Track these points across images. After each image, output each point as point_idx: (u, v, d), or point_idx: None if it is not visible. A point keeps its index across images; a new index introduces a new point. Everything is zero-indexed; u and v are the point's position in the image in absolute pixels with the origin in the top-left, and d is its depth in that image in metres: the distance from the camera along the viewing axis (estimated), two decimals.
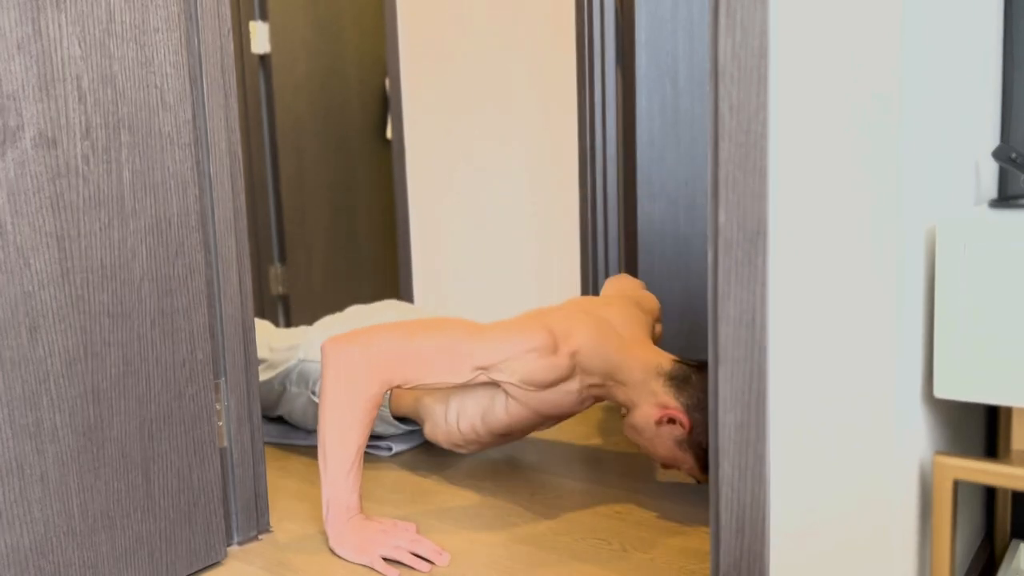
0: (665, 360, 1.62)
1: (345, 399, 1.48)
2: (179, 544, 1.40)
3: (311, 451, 2.04)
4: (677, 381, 1.58)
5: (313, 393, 1.98)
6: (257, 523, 1.56)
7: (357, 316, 2.13)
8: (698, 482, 1.66)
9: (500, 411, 1.67)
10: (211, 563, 1.46)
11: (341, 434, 1.48)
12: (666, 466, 1.65)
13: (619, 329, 1.68)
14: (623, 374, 1.61)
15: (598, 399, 1.68)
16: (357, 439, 1.48)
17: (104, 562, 1.30)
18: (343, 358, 1.49)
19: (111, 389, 1.29)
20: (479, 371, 1.55)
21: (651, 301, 1.93)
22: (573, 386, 1.61)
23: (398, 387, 1.54)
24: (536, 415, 1.65)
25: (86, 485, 1.27)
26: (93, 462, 1.28)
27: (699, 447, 1.56)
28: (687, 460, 1.59)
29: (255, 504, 1.56)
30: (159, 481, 1.37)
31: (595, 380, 1.62)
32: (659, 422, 1.57)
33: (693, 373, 1.59)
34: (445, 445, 1.82)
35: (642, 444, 1.64)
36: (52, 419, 1.23)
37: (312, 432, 2.11)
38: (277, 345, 2.10)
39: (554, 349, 1.55)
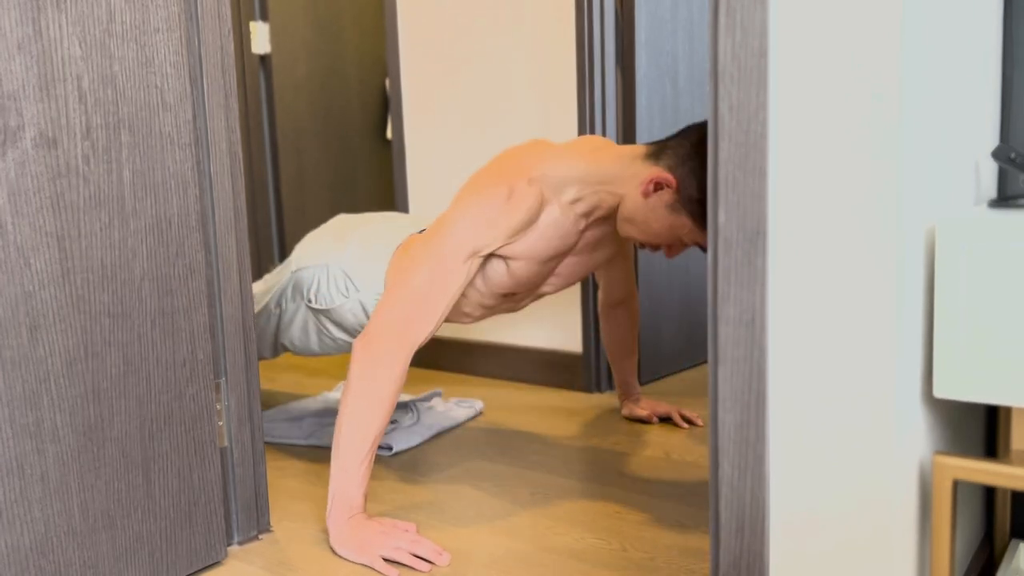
0: (638, 148, 1.60)
1: (369, 387, 1.48)
2: (179, 544, 1.40)
3: (311, 451, 2.04)
4: (653, 154, 1.56)
5: (309, 302, 1.91)
6: (257, 523, 1.57)
7: (343, 222, 2.05)
8: (703, 247, 1.62)
9: (500, 270, 1.64)
10: (211, 563, 1.46)
11: (360, 424, 1.47)
12: (671, 250, 1.62)
13: (578, 148, 1.66)
14: (598, 173, 1.58)
15: (591, 219, 1.64)
16: (375, 430, 1.48)
17: (104, 562, 1.30)
18: (366, 348, 1.50)
19: (111, 389, 1.29)
20: (471, 259, 1.54)
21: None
22: (555, 213, 1.57)
23: (422, 343, 1.53)
24: (538, 263, 1.62)
25: (86, 485, 1.27)
26: (93, 462, 1.28)
27: (691, 202, 1.53)
28: (685, 223, 1.56)
29: (255, 504, 1.56)
30: (159, 481, 1.37)
31: (572, 194, 1.58)
32: (646, 194, 1.55)
33: (669, 140, 1.57)
34: (452, 318, 1.79)
35: (639, 235, 1.61)
36: (52, 419, 1.23)
37: (310, 421, 2.10)
38: (270, 276, 2.06)
39: (513, 190, 1.54)
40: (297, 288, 1.93)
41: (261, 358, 2.09)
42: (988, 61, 1.23)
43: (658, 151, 1.58)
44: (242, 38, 3.27)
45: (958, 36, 1.07)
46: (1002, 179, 1.31)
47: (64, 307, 1.23)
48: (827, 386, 0.98)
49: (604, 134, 2.39)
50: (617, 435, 2.10)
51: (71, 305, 1.24)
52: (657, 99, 2.51)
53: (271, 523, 1.63)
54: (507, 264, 1.62)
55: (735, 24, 0.97)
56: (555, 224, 1.58)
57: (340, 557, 1.48)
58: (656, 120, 2.51)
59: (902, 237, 0.93)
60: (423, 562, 1.44)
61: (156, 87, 1.33)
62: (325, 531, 1.59)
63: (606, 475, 1.84)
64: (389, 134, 3.64)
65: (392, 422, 2.15)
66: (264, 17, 3.26)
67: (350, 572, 1.43)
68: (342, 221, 2.04)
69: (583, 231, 1.63)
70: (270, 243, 3.36)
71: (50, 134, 1.21)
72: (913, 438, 0.98)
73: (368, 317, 1.84)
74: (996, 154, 1.11)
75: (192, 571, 1.43)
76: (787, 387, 1.01)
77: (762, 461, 1.02)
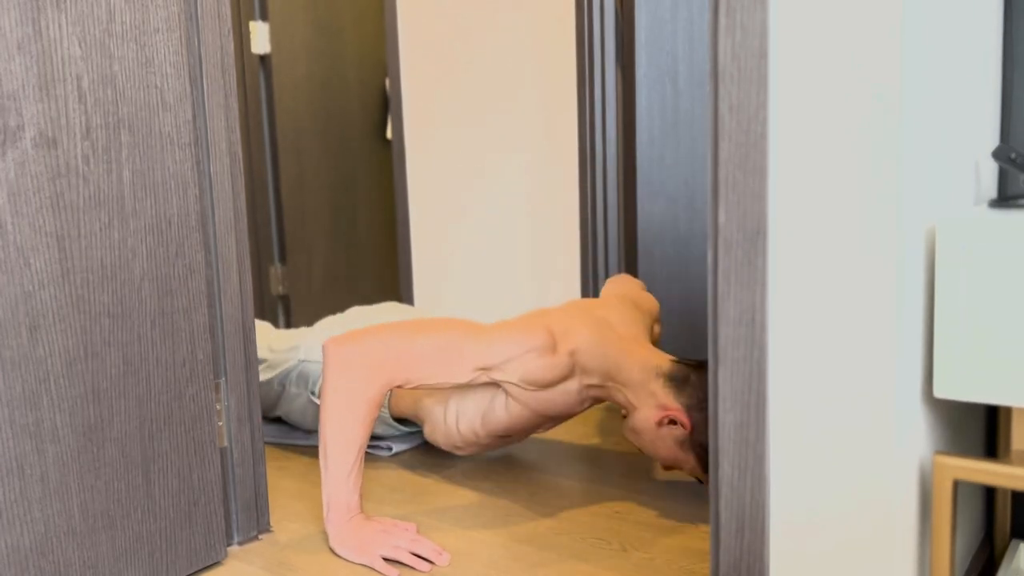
0: (664, 361, 1.62)
1: (346, 399, 1.48)
2: (179, 544, 1.40)
3: (311, 451, 2.04)
4: (676, 381, 1.58)
5: (312, 394, 1.98)
6: (257, 523, 1.56)
7: (358, 317, 2.13)
8: (700, 481, 1.66)
9: (500, 411, 1.67)
10: (211, 563, 1.46)
11: (342, 434, 1.48)
12: (667, 467, 1.65)
13: (618, 329, 1.68)
14: (622, 374, 1.61)
15: (597, 400, 1.69)
16: (358, 439, 1.48)
17: (104, 562, 1.30)
18: (344, 358, 1.49)
19: (111, 389, 1.29)
20: (480, 371, 1.55)
21: (650, 302, 1.93)
22: (572, 386, 1.61)
23: (399, 387, 1.54)
24: (536, 416, 1.66)
25: (86, 485, 1.27)
26: (93, 462, 1.28)
27: (700, 447, 1.56)
28: (689, 460, 1.59)
29: (255, 504, 1.56)
30: (159, 481, 1.37)
31: (594, 380, 1.62)
32: (660, 423, 1.57)
33: (692, 373, 1.59)
34: (444, 447, 1.82)
35: (643, 446, 1.64)
36: (52, 419, 1.23)
37: (312, 432, 2.11)
38: (277, 346, 2.10)
39: (553, 348, 1.56)
40: (302, 377, 2.01)
41: (263, 417, 2.18)
42: (988, 61, 1.23)
43: (682, 381, 1.59)
44: (242, 38, 3.27)
45: (958, 36, 1.07)
46: (1002, 179, 1.31)
47: (64, 307, 1.23)
48: (827, 386, 0.98)
49: (604, 134, 2.40)
50: (617, 435, 2.10)
51: (71, 305, 1.24)
52: (657, 99, 2.51)
53: (271, 523, 1.63)
54: (507, 405, 1.65)
55: (735, 24, 0.97)
56: (567, 393, 1.62)
57: (340, 557, 1.48)
58: (656, 120, 2.51)
59: (902, 237, 0.93)
60: (423, 562, 1.44)
61: (156, 87, 1.33)
62: (325, 531, 1.59)
63: (606, 475, 1.83)
64: (389, 134, 3.64)
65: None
66: (264, 17, 3.26)
67: (350, 572, 1.43)
68: (356, 314, 2.14)
69: (584, 400, 1.67)
70: (270, 243, 3.35)
71: (50, 134, 1.21)
72: (913, 438, 0.98)
73: None
74: (996, 154, 1.11)
75: (192, 571, 1.43)
76: (787, 387, 1.00)
77: (762, 461, 1.02)
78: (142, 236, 1.32)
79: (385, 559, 1.45)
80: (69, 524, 1.25)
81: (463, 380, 1.56)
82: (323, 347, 1.52)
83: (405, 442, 2.04)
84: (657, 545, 1.50)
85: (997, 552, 1.32)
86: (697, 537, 1.53)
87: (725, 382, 1.03)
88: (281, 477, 1.88)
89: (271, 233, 3.38)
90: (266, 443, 2.11)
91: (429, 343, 1.53)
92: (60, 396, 1.23)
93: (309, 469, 1.92)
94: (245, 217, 1.50)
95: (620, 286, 2.01)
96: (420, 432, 2.09)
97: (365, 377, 1.49)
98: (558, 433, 2.12)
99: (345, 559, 1.47)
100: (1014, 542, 1.30)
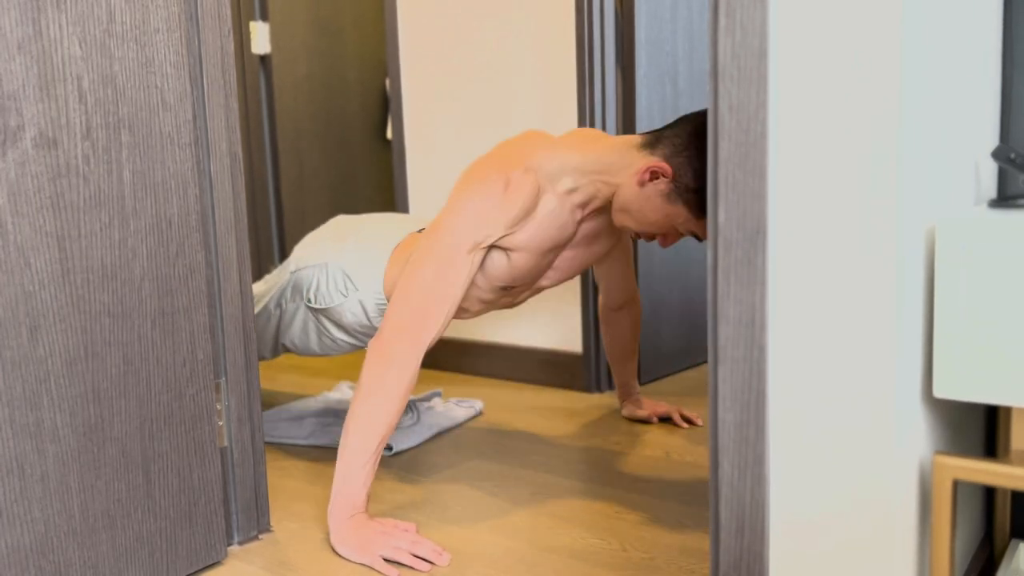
0: (634, 137, 1.61)
1: (382, 384, 1.49)
2: (179, 544, 1.40)
3: (311, 451, 2.04)
4: (649, 143, 1.57)
5: (308, 301, 1.91)
6: (257, 523, 1.57)
7: (341, 224, 2.05)
8: (700, 237, 1.62)
9: (500, 261, 1.64)
10: (211, 563, 1.46)
11: (370, 421, 1.48)
12: (666, 239, 1.63)
13: (573, 140, 1.66)
14: (594, 163, 1.59)
15: (587, 210, 1.64)
16: (383, 429, 1.49)
17: (104, 561, 1.30)
18: (380, 346, 1.51)
19: (111, 389, 1.29)
20: (474, 251, 1.55)
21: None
22: (551, 203, 1.58)
23: (434, 340, 1.54)
24: (535, 255, 1.63)
25: (86, 485, 1.27)
26: (93, 462, 1.28)
27: (688, 191, 1.53)
28: (681, 213, 1.56)
29: (255, 504, 1.56)
30: (159, 481, 1.37)
31: (569, 183, 1.59)
32: (641, 183, 1.55)
33: (665, 129, 1.57)
34: None
35: (635, 225, 1.61)
36: (52, 419, 1.23)
37: (311, 421, 2.10)
38: (270, 277, 2.06)
39: (509, 180, 1.54)
40: (296, 288, 1.93)
41: (261, 358, 2.09)
42: (988, 61, 1.23)
43: (654, 140, 1.58)
44: (242, 38, 3.27)
45: (958, 36, 1.08)
46: (1002, 179, 1.31)
47: (64, 307, 1.23)
48: (827, 386, 0.98)
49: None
50: (617, 435, 2.10)
51: (71, 305, 1.24)
52: (657, 99, 2.51)
53: (271, 523, 1.63)
54: (507, 256, 1.62)
55: (735, 24, 0.97)
56: (552, 214, 1.59)
57: (340, 557, 1.48)
58: (656, 120, 2.51)
59: (902, 237, 0.93)
60: (423, 562, 1.44)
61: (156, 87, 1.33)
62: (325, 531, 1.59)
63: (606, 475, 1.84)
64: (389, 134, 3.64)
65: None
66: (264, 17, 3.26)
67: (350, 572, 1.43)
68: (341, 222, 2.05)
69: (580, 222, 1.64)
70: (270, 243, 3.36)
71: (50, 134, 1.21)
72: (913, 438, 0.98)
73: (367, 316, 1.84)
74: (996, 154, 1.11)
75: (192, 571, 1.43)
76: (787, 387, 1.01)
77: (762, 461, 1.02)
78: (142, 236, 1.32)
79: (385, 559, 1.45)
80: (69, 524, 1.26)
81: (470, 270, 1.55)
82: (368, 347, 1.54)
83: (405, 442, 2.04)
84: (657, 545, 1.50)
85: (997, 552, 1.32)
86: (697, 537, 1.53)
87: (725, 382, 1.03)
88: (281, 477, 1.88)
89: (271, 233, 3.39)
90: (266, 443, 2.11)
91: (426, 269, 1.53)
92: (60, 396, 1.23)
93: (309, 469, 1.93)
94: (245, 217, 1.50)
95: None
96: (421, 431, 2.09)
97: (404, 349, 1.50)
98: (558, 433, 2.12)
99: (345, 559, 1.47)
100: (1014, 542, 1.30)
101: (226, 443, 1.50)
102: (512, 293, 1.76)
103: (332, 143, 3.52)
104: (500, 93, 2.58)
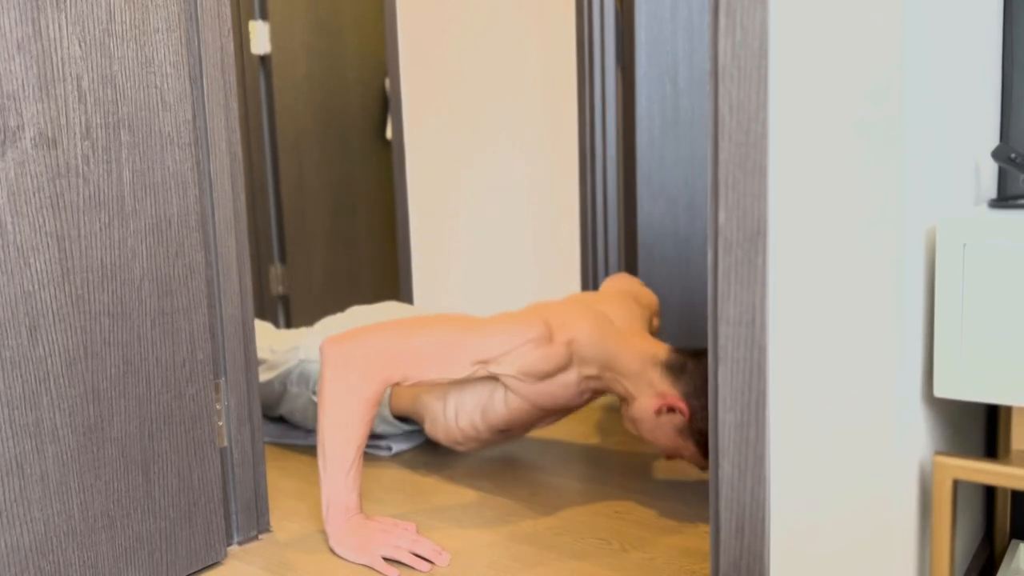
0: (661, 350, 1.63)
1: (344, 398, 1.48)
2: (179, 544, 1.40)
3: (311, 451, 2.04)
4: (674, 370, 1.59)
5: (313, 393, 1.98)
6: (257, 523, 1.56)
7: (358, 316, 2.13)
8: (701, 468, 1.67)
9: (499, 405, 1.67)
10: (211, 563, 1.46)
11: (340, 433, 1.48)
12: (669, 456, 1.65)
13: (616, 321, 1.69)
14: (620, 365, 1.62)
15: (596, 392, 1.69)
16: (357, 438, 1.48)
17: (104, 562, 1.30)
18: (341, 357, 1.49)
19: (111, 389, 1.29)
20: (478, 365, 1.55)
21: (649, 296, 1.94)
22: (571, 377, 1.61)
23: (398, 384, 1.55)
24: (535, 409, 1.66)
25: (86, 485, 1.27)
26: (93, 462, 1.28)
27: (700, 434, 1.57)
28: (688, 448, 1.60)
29: (255, 504, 1.56)
30: (159, 481, 1.37)
31: (592, 371, 1.62)
32: (658, 412, 1.58)
33: (689, 361, 1.60)
34: (445, 442, 1.82)
35: (642, 435, 1.65)
36: (52, 419, 1.23)
37: (312, 431, 2.10)
38: (277, 347, 2.10)
39: (550, 339, 1.56)
40: (303, 377, 2.02)
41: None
42: (988, 61, 1.23)
43: (679, 368, 1.60)
44: (242, 38, 3.27)
45: (958, 36, 1.07)
46: (1002, 179, 1.31)
47: (64, 307, 1.23)
48: (827, 386, 0.98)
49: (604, 134, 2.40)
50: (617, 435, 2.10)
51: (71, 305, 1.24)
52: (657, 99, 2.51)
53: (271, 523, 1.63)
54: (506, 399, 1.65)
55: (735, 24, 0.97)
56: (566, 385, 1.62)
57: (340, 557, 1.48)
58: (656, 120, 2.50)
59: (902, 237, 0.93)
60: (423, 561, 1.44)
61: (156, 87, 1.33)
62: (325, 531, 1.59)
63: (606, 475, 1.83)
64: (389, 134, 3.64)
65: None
66: (264, 17, 3.26)
67: (350, 572, 1.43)
68: (356, 314, 2.14)
69: (583, 392, 1.67)
70: (270, 243, 3.35)
71: (50, 134, 1.21)
72: (913, 438, 0.98)
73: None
74: (996, 154, 1.11)
75: (192, 571, 1.43)
76: (787, 387, 1.00)
77: (762, 461, 1.02)
78: (142, 236, 1.32)
79: (385, 559, 1.45)
80: (69, 524, 1.25)
81: (461, 375, 1.56)
82: (320, 347, 1.52)
83: (405, 442, 2.04)
84: (657, 545, 1.50)
85: (997, 552, 1.32)
86: (697, 537, 1.53)
87: (725, 382, 1.03)
88: (281, 477, 1.88)
89: (271, 233, 3.38)
90: (266, 443, 2.11)
91: (426, 339, 1.53)
92: (60, 396, 1.23)
93: (309, 469, 1.92)
94: (245, 217, 1.50)
95: (619, 283, 2.01)
96: (420, 431, 2.09)
97: (363, 375, 1.49)
98: (558, 433, 2.12)
99: (345, 559, 1.47)
100: (1014, 542, 1.30)
101: (226, 443, 1.50)
102: (506, 435, 1.79)
103: (332, 143, 3.52)
104: (500, 93, 2.58)
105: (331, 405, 1.48)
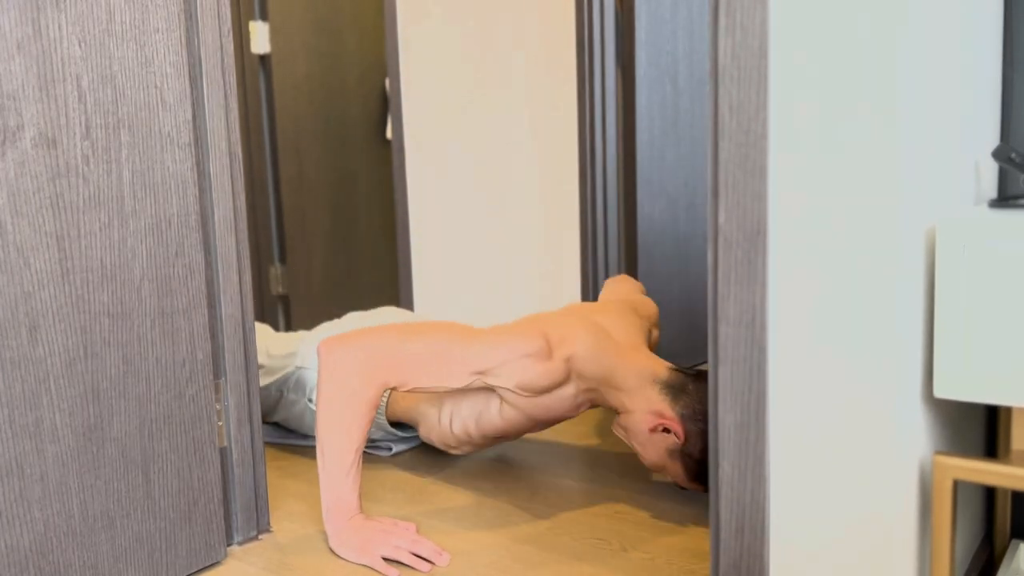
0: (661, 368, 1.62)
1: (342, 401, 1.48)
2: (179, 544, 1.40)
3: (311, 451, 2.04)
4: (674, 390, 1.58)
5: (310, 400, 1.98)
6: (257, 523, 1.56)
7: (356, 322, 2.12)
8: (682, 489, 1.67)
9: (494, 415, 1.67)
10: (211, 563, 1.46)
11: (339, 435, 1.48)
12: (654, 470, 1.66)
13: (615, 335, 1.68)
14: (618, 380, 1.61)
15: (593, 404, 1.69)
16: (355, 440, 1.48)
17: (104, 562, 1.30)
18: (339, 360, 1.49)
19: (111, 389, 1.29)
20: (475, 376, 1.55)
21: (649, 306, 1.93)
22: (568, 391, 1.61)
23: (394, 389, 1.54)
24: (530, 419, 1.66)
25: (86, 485, 1.27)
26: (93, 462, 1.28)
27: (689, 458, 1.56)
28: (675, 468, 1.59)
29: (255, 504, 1.56)
30: (159, 481, 1.37)
31: (590, 385, 1.62)
32: (653, 430, 1.57)
33: (690, 382, 1.58)
34: (438, 445, 1.82)
35: (631, 445, 1.65)
36: (52, 419, 1.23)
37: (311, 436, 2.10)
38: (275, 352, 2.09)
39: (549, 355, 1.55)
40: (300, 384, 2.01)
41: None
42: (988, 61, 1.23)
43: (679, 388, 1.58)
44: (242, 38, 3.27)
45: (958, 36, 1.07)
46: (1002, 179, 1.31)
47: (64, 307, 1.23)
48: (827, 386, 0.98)
49: (604, 134, 2.40)
50: (616, 436, 2.10)
51: (71, 305, 1.24)
52: (657, 99, 2.51)
53: (271, 523, 1.63)
54: (501, 409, 1.66)
55: (735, 24, 0.97)
56: (562, 399, 1.62)
57: (340, 558, 1.48)
58: (656, 120, 2.50)
59: (902, 237, 0.93)
60: (423, 562, 1.44)
61: (156, 87, 1.33)
62: (325, 531, 1.59)
63: (606, 475, 1.83)
64: (389, 134, 3.64)
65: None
66: (264, 17, 3.26)
67: (350, 572, 1.43)
68: (354, 319, 2.13)
69: (579, 405, 1.68)
70: (270, 243, 3.35)
71: (50, 134, 1.21)
72: (913, 438, 0.98)
73: None
74: (996, 154, 1.11)
75: (192, 571, 1.43)
76: (787, 387, 1.00)
77: (762, 461, 1.02)
78: (142, 236, 1.32)
79: (385, 559, 1.45)
80: (69, 524, 1.25)
81: (458, 384, 1.55)
82: (317, 349, 1.52)
83: (405, 442, 2.04)
84: (657, 545, 1.50)
85: (997, 552, 1.32)
86: (697, 537, 1.53)
87: (725, 382, 1.03)
88: (281, 477, 1.88)
89: (271, 233, 3.38)
90: (266, 443, 2.11)
91: (424, 346, 1.53)
92: (60, 396, 1.23)
93: (309, 469, 1.92)
94: (245, 217, 1.49)
95: (619, 288, 2.00)
96: (417, 435, 2.09)
97: (360, 379, 1.49)
98: (558, 433, 2.12)
99: (345, 559, 1.47)
100: (1014, 542, 1.30)
101: (226, 443, 1.50)
102: (500, 441, 1.80)
103: (332, 143, 3.52)
104: (500, 93, 2.58)
105: (330, 406, 1.48)
